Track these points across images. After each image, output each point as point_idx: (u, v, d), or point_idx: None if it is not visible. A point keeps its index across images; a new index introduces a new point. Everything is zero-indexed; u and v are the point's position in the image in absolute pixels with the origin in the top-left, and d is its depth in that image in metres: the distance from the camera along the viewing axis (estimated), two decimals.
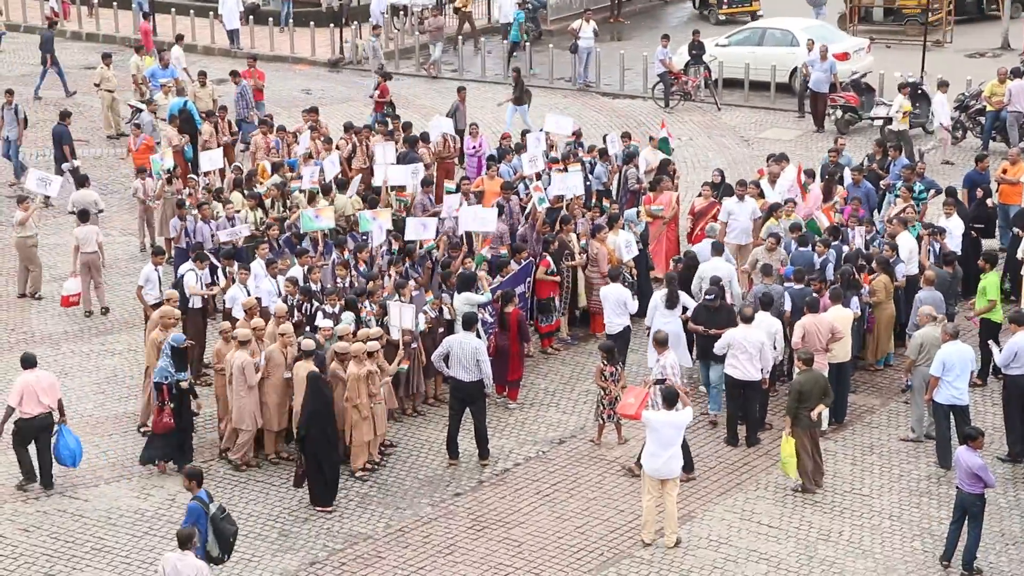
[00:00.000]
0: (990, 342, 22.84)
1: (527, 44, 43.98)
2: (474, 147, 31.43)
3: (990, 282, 23.25)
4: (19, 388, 20.70)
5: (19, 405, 20.64)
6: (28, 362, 21.00)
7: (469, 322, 21.74)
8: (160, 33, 46.75)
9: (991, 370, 23.37)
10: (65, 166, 32.28)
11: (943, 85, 34.15)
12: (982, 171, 28.10)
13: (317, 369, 20.45)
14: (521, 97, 36.42)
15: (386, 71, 38.03)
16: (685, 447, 19.88)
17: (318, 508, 20.36)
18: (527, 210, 26.86)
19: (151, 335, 22.13)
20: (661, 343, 21.19)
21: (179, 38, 41.81)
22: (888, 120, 35.39)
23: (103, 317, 26.98)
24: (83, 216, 27.22)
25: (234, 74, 36.05)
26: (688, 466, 20.58)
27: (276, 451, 21.72)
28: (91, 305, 27.10)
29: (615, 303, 23.55)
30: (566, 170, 27.95)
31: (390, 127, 31.58)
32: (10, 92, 34.40)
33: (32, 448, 20.97)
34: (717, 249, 24.53)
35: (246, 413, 21.12)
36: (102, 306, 27.28)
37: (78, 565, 19.18)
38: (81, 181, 29.52)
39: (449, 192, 28.12)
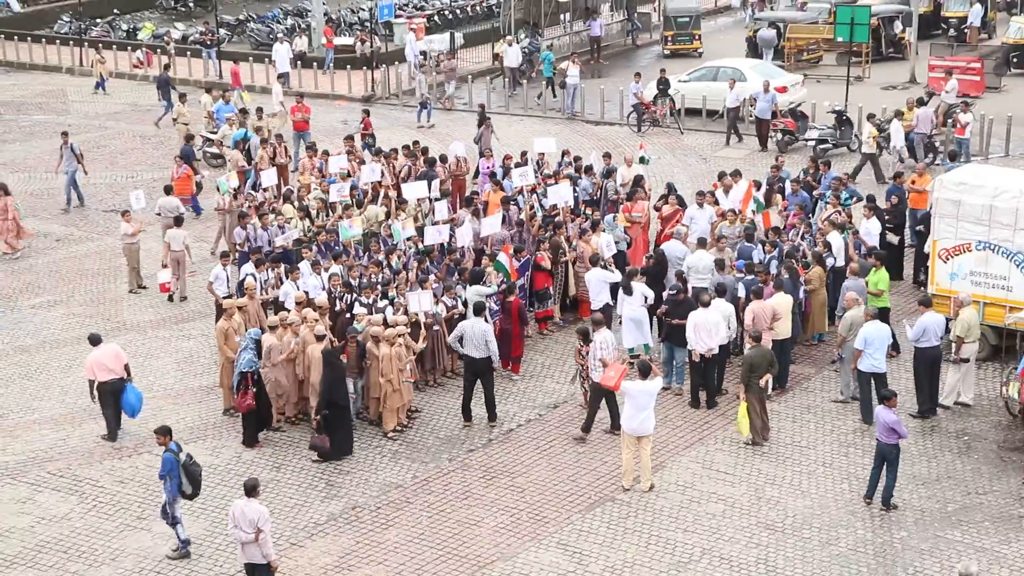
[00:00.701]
0: (903, 320, 22.85)
1: (530, 79, 43.81)
2: (488, 167, 31.33)
3: (882, 277, 23.18)
4: (89, 363, 21.19)
5: (95, 376, 21.01)
6: (94, 340, 21.43)
7: (479, 309, 21.76)
8: (225, 75, 46.78)
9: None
10: (196, 178, 32.63)
11: (899, 114, 33.94)
12: (899, 184, 28.07)
13: (336, 350, 20.62)
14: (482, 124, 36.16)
15: (367, 108, 38.19)
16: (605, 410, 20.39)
17: (343, 456, 20.53)
18: (521, 215, 26.92)
19: (218, 324, 22.16)
20: (597, 322, 21.25)
21: (280, 77, 42.73)
22: (823, 141, 35.44)
23: (180, 308, 27.00)
24: (178, 221, 27.52)
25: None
26: (587, 428, 20.96)
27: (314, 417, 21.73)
28: (178, 292, 27.42)
29: (597, 283, 23.79)
30: (556, 183, 28.04)
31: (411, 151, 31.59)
32: (65, 134, 34.41)
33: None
34: (702, 243, 24.71)
35: (270, 384, 21.18)
36: (182, 295, 27.37)
37: None
38: (167, 190, 29.99)
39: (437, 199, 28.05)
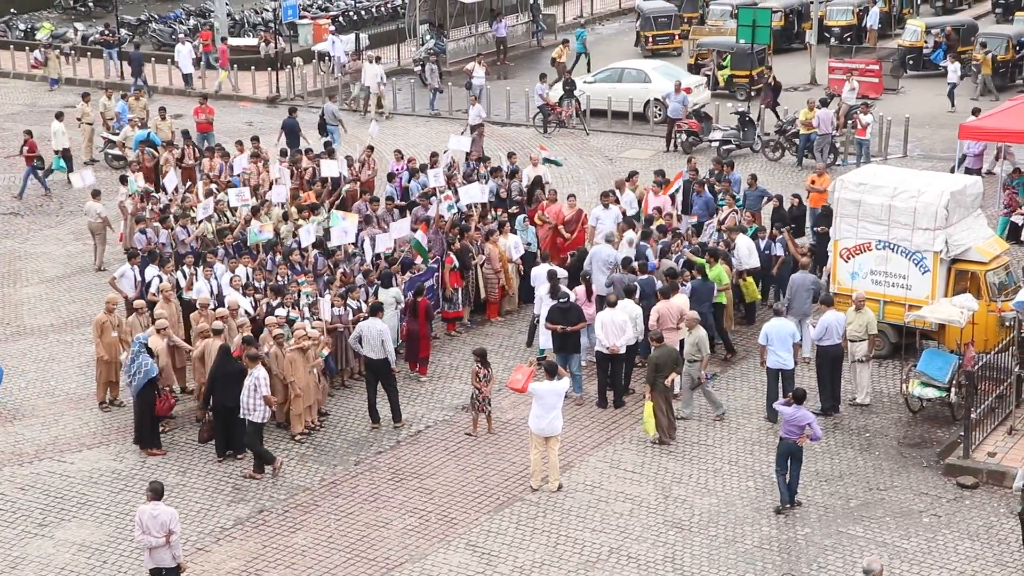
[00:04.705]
0: (806, 321, 23.11)
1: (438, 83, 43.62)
2: (398, 168, 31.10)
3: (720, 271, 23.52)
4: None
5: None
6: None
7: (375, 310, 21.71)
8: (125, 77, 46.12)
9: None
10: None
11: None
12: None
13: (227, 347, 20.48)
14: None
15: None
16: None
17: (228, 453, 20.47)
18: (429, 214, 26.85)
19: (96, 317, 22.19)
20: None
21: (377, 58, 43.89)
22: (726, 142, 35.82)
23: (83, 311, 26.46)
24: (95, 194, 29.02)
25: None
26: (269, 460, 20.23)
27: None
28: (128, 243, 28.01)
29: (543, 280, 23.57)
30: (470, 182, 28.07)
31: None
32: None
33: None
34: (621, 227, 25.37)
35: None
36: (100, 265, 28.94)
37: (66, 517, 18.96)
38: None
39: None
